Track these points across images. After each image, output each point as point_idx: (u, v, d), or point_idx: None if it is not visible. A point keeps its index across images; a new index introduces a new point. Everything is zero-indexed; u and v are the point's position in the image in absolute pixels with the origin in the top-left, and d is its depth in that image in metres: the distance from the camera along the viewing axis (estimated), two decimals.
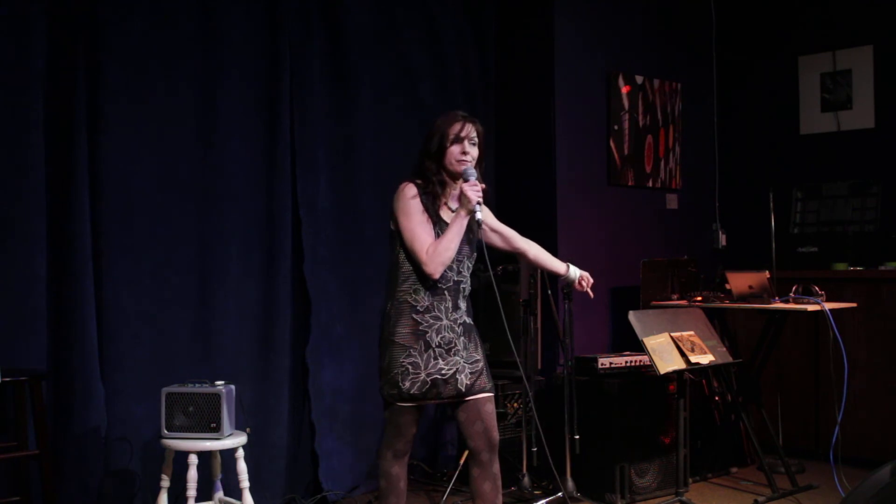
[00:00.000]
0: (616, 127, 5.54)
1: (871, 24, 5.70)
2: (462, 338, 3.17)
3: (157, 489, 3.75)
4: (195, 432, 3.69)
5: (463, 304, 3.20)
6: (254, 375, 4.37)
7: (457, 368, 3.13)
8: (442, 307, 3.13)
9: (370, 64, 4.89)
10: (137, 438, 4.03)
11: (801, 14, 6.01)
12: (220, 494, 3.92)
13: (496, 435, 3.20)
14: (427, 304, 3.12)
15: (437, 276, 3.09)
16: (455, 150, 3.14)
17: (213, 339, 4.27)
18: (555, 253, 5.16)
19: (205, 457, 3.89)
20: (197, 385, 3.75)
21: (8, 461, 3.60)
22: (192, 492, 3.67)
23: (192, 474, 3.68)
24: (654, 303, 5.11)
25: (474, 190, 3.08)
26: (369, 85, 4.87)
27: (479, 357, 3.21)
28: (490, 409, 3.20)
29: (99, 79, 3.95)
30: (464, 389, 3.14)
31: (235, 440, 3.77)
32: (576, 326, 4.67)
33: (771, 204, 5.09)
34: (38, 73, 3.81)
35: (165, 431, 3.70)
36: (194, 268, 4.24)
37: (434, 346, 3.11)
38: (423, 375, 3.09)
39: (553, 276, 5.00)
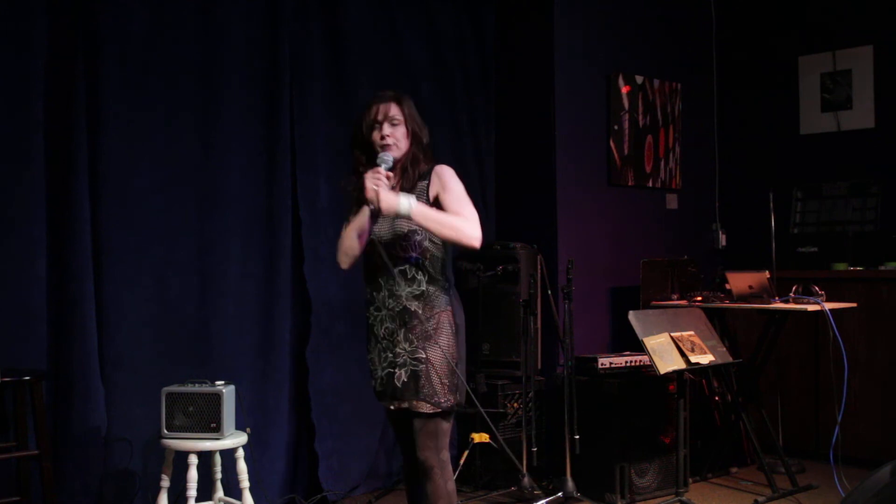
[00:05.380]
0: (616, 127, 5.54)
1: (871, 24, 5.70)
2: (403, 329, 2.96)
3: (157, 489, 3.75)
4: (195, 432, 3.69)
5: (403, 290, 2.96)
6: (254, 375, 4.37)
7: (397, 363, 2.97)
8: (379, 296, 3.02)
9: (370, 64, 4.89)
10: (137, 438, 4.03)
11: (801, 14, 6.01)
12: (220, 494, 3.92)
13: (422, 454, 2.98)
14: (368, 296, 3.06)
15: (343, 267, 3.06)
16: (375, 137, 3.00)
17: (213, 339, 4.27)
18: (555, 252, 5.20)
19: (205, 457, 3.88)
20: (197, 385, 3.75)
21: (8, 461, 3.60)
22: (192, 492, 3.67)
23: (192, 474, 3.68)
24: (654, 303, 5.11)
25: (372, 178, 2.88)
26: (369, 85, 4.86)
27: (423, 356, 2.94)
28: (418, 426, 2.97)
29: (99, 79, 3.95)
30: (400, 385, 2.96)
31: (235, 440, 3.77)
32: (576, 326, 4.67)
33: (771, 204, 5.09)
34: (38, 73, 3.81)
35: (165, 431, 3.70)
36: (194, 268, 4.24)
37: (380, 338, 3.02)
38: (379, 371, 3.04)
39: (553, 277, 5.03)
